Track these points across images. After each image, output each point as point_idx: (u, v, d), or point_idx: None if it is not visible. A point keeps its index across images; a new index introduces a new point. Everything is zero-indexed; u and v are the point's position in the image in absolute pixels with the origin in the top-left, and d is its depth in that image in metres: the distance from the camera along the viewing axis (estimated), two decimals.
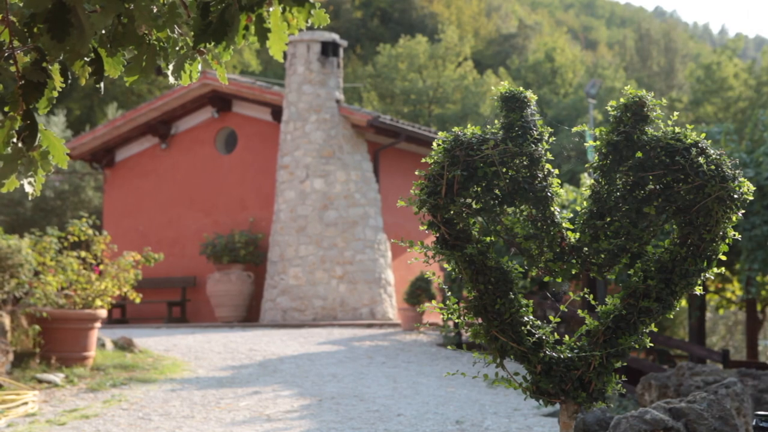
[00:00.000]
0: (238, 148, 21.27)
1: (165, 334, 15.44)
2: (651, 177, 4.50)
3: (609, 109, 4.65)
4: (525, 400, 8.67)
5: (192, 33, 2.75)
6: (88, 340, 10.92)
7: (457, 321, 4.72)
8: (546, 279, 4.75)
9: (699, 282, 4.58)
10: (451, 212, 4.55)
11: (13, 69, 2.76)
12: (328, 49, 19.54)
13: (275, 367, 11.85)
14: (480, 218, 4.65)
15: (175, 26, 2.86)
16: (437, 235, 4.58)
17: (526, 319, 4.62)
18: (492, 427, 8.32)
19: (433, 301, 15.61)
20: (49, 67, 2.77)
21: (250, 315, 19.95)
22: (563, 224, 4.60)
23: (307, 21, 2.80)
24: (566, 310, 5.12)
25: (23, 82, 2.74)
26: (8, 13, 2.71)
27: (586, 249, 4.58)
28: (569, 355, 4.62)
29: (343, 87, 27.26)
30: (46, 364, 10.46)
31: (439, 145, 4.57)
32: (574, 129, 4.88)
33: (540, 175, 4.57)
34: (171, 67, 2.96)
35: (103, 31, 2.84)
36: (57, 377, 10.04)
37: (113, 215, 22.40)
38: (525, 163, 4.56)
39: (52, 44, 2.66)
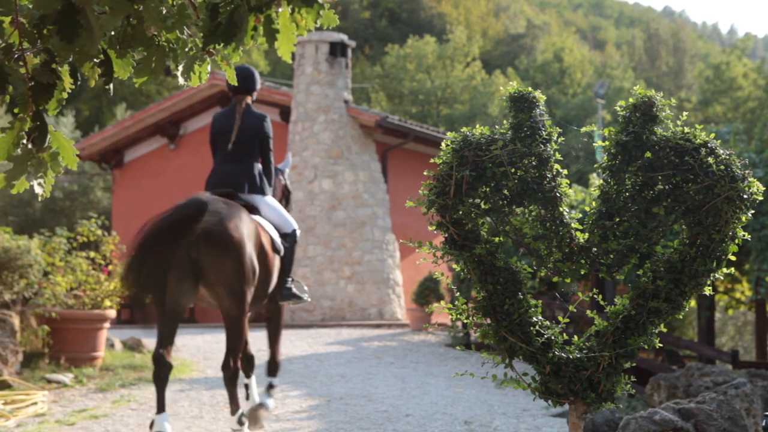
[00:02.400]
0: None
1: None
2: (660, 177, 4.50)
3: (618, 109, 4.64)
4: (534, 401, 8.65)
5: (201, 34, 2.76)
6: (97, 341, 10.94)
7: (465, 321, 4.72)
8: (555, 279, 4.75)
9: (708, 282, 4.57)
10: (460, 212, 4.55)
11: (22, 70, 2.77)
12: (337, 50, 19.56)
13: (284, 367, 11.87)
14: (489, 218, 4.65)
15: (185, 27, 2.87)
16: (446, 235, 4.58)
17: (535, 319, 4.62)
18: (501, 428, 8.32)
19: (442, 302, 15.60)
20: (59, 68, 2.78)
21: (258, 315, 19.95)
22: (572, 224, 4.60)
23: (316, 22, 2.80)
24: (575, 310, 5.12)
25: (33, 83, 2.74)
26: (18, 15, 2.71)
27: (595, 249, 4.57)
28: (578, 356, 4.62)
29: (352, 87, 27.27)
30: (56, 365, 10.48)
31: (447, 145, 4.57)
32: (582, 129, 4.87)
33: (549, 176, 4.57)
34: (180, 68, 2.96)
35: (113, 33, 2.85)
36: (66, 377, 10.06)
37: (122, 216, 22.45)
38: (534, 163, 4.55)
39: (62, 45, 2.67)
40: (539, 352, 4.58)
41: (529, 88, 4.69)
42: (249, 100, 7.97)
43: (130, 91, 37.84)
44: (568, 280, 4.68)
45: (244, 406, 7.73)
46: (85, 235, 11.47)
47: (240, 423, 6.99)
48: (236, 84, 3.10)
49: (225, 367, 6.96)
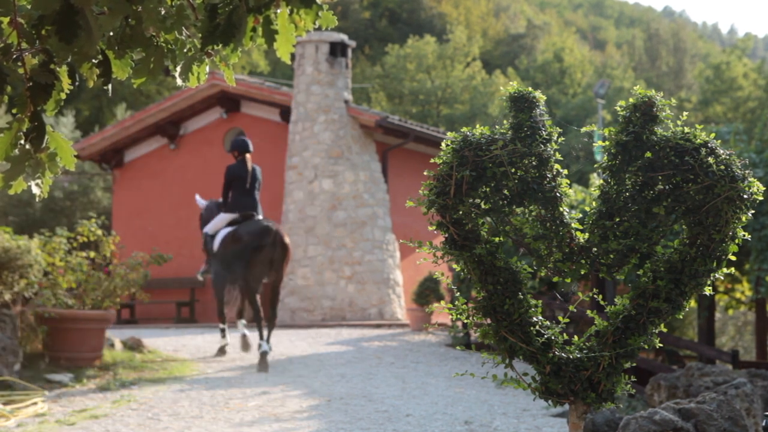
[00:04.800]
0: None
1: (174, 335, 15.47)
2: (660, 177, 4.49)
3: (618, 109, 4.64)
4: (534, 401, 8.65)
5: (200, 35, 2.75)
6: (97, 341, 10.93)
7: (465, 321, 4.71)
8: (555, 279, 4.74)
9: (708, 282, 4.56)
10: (460, 212, 4.54)
11: (21, 71, 2.76)
12: (337, 50, 19.55)
13: (284, 367, 11.86)
14: (489, 218, 4.64)
15: (183, 28, 2.87)
16: (446, 235, 4.58)
17: (535, 319, 4.61)
18: (501, 428, 8.32)
19: (442, 302, 15.56)
20: (57, 68, 2.78)
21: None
22: (572, 224, 4.59)
23: (315, 23, 2.80)
24: (575, 310, 5.11)
25: (31, 83, 2.74)
26: (16, 15, 2.71)
27: (595, 249, 4.57)
28: (578, 356, 4.61)
29: (352, 87, 27.26)
30: (56, 365, 10.48)
31: (447, 145, 4.56)
32: (582, 129, 4.86)
33: (549, 176, 4.56)
34: (179, 68, 2.96)
35: (111, 33, 2.84)
36: (66, 377, 10.06)
37: (122, 216, 22.45)
38: (534, 163, 4.55)
39: (60, 46, 2.66)
40: (539, 352, 4.58)
41: (529, 88, 4.69)
42: (250, 157, 12.67)
43: (130, 91, 37.84)
44: (568, 280, 4.67)
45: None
46: (86, 235, 11.47)
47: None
48: (234, 85, 3.09)
49: (272, 313, 12.19)
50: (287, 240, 12.14)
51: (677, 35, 59.33)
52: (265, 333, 11.89)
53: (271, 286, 12.27)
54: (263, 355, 11.56)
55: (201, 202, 13.35)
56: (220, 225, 12.50)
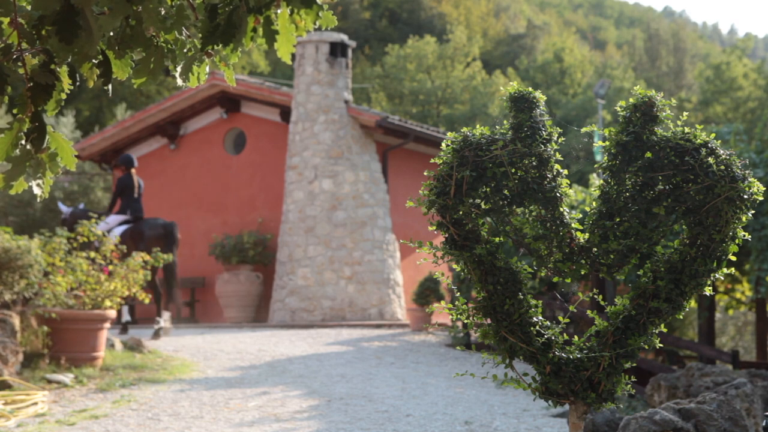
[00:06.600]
0: (247, 148, 21.28)
1: (174, 335, 15.46)
2: (660, 177, 4.49)
3: (618, 109, 4.64)
4: (534, 401, 8.65)
5: (200, 35, 2.75)
6: (97, 341, 10.93)
7: (466, 321, 4.72)
8: (555, 279, 4.75)
9: (708, 282, 4.56)
10: (460, 213, 4.55)
11: (21, 71, 2.76)
12: (337, 50, 19.54)
13: (284, 367, 11.86)
14: (489, 219, 4.64)
15: (183, 28, 2.87)
16: (446, 235, 4.58)
17: (535, 319, 4.62)
18: (501, 428, 8.32)
19: (442, 302, 15.54)
20: (58, 69, 2.78)
21: (258, 315, 19.96)
22: (572, 225, 4.60)
23: (315, 23, 2.80)
24: (575, 310, 5.11)
25: (32, 84, 2.74)
26: (17, 16, 2.71)
27: (595, 249, 4.57)
28: (578, 356, 4.62)
29: (352, 88, 27.24)
30: (56, 365, 10.48)
31: (448, 145, 4.57)
32: (583, 129, 4.87)
33: (549, 176, 4.56)
34: (179, 69, 2.96)
35: (111, 33, 2.84)
36: (66, 377, 10.05)
37: None
38: (534, 163, 4.55)
39: (61, 46, 2.66)
40: (539, 352, 4.58)
41: (530, 89, 4.69)
42: (135, 171, 15.39)
43: (130, 91, 37.84)
44: (568, 281, 4.68)
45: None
46: (86, 236, 11.47)
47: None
48: (234, 85, 3.09)
49: (169, 291, 15.29)
50: (177, 232, 15.24)
51: (677, 35, 59.32)
52: (163, 311, 14.90)
53: (168, 269, 14.97)
54: (159, 329, 14.52)
55: (63, 208, 15.82)
56: (112, 224, 15.03)
